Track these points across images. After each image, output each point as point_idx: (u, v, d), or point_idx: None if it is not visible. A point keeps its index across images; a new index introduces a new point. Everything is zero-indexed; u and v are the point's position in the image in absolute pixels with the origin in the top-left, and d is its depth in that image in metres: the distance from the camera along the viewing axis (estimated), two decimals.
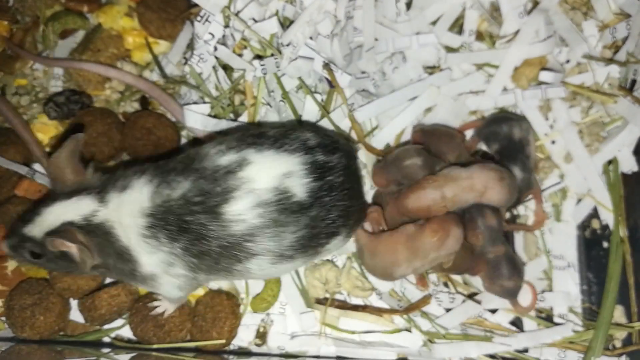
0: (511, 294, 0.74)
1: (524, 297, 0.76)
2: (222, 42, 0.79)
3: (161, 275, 0.65)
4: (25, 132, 0.81)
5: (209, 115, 0.77)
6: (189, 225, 0.62)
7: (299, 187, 0.63)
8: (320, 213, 0.64)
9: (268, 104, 0.80)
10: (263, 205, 0.62)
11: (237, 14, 0.78)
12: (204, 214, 0.61)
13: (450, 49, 0.83)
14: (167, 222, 0.62)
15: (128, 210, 0.63)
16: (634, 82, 0.80)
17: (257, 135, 0.66)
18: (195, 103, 0.81)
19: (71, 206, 0.64)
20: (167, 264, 0.64)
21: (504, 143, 0.77)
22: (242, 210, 0.61)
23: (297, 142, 0.66)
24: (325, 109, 0.78)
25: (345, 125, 0.79)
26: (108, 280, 0.78)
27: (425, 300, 0.76)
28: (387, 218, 0.75)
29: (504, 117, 0.79)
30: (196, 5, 0.80)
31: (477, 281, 0.78)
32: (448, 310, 0.76)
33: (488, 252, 0.73)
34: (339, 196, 0.66)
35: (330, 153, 0.67)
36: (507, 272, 0.73)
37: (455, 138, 0.78)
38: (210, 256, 0.63)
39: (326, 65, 0.77)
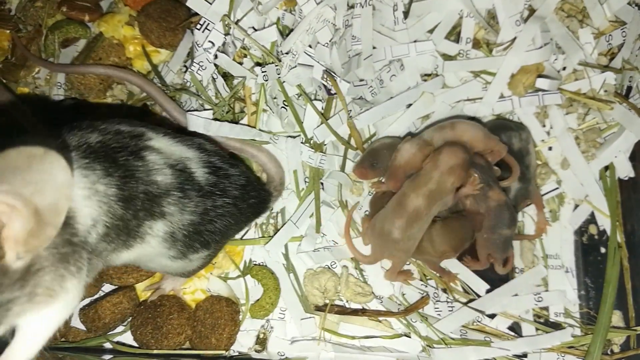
0: (505, 245, 0.75)
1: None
2: (222, 50, 0.80)
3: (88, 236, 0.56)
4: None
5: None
6: (119, 158, 0.58)
7: (198, 171, 0.63)
8: (211, 212, 0.64)
9: (270, 109, 0.80)
10: (172, 166, 0.61)
11: (236, 23, 0.79)
12: (129, 153, 0.59)
13: (447, 57, 0.84)
14: (101, 153, 0.57)
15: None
16: (629, 88, 0.81)
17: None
18: (196, 110, 0.82)
19: None
20: (95, 217, 0.55)
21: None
22: (157, 163, 0.60)
23: (192, 141, 0.66)
24: (324, 117, 0.78)
25: (342, 131, 0.80)
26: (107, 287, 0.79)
27: (424, 300, 0.76)
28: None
29: (503, 126, 0.79)
30: (196, 14, 0.81)
31: (475, 287, 0.79)
32: None
33: (488, 197, 0.74)
34: (228, 207, 0.66)
35: (228, 164, 0.67)
36: (509, 219, 0.74)
37: None
38: (134, 204, 0.58)
39: (327, 73, 0.77)
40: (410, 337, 0.76)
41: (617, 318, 0.78)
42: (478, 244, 0.77)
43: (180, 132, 0.68)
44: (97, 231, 0.55)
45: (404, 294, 0.78)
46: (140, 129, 0.63)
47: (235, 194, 0.67)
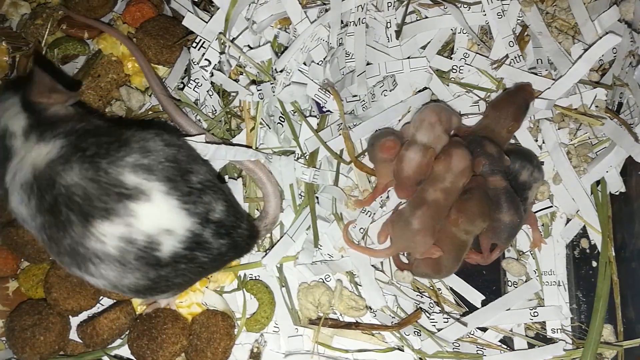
0: (509, 233, 0.76)
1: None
2: (219, 67, 0.81)
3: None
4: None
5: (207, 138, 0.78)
6: (58, 212, 0.61)
7: (169, 247, 0.63)
8: (170, 274, 0.65)
9: (267, 125, 0.81)
10: (128, 242, 0.61)
11: (232, 41, 0.80)
12: (76, 214, 0.61)
13: (440, 72, 0.85)
14: (42, 193, 0.62)
15: (32, 158, 0.64)
16: (620, 104, 0.82)
17: (184, 170, 0.65)
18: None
19: None
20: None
21: (508, 177, 0.78)
22: (108, 234, 0.61)
23: (202, 208, 0.65)
24: (316, 132, 0.79)
25: (335, 146, 0.81)
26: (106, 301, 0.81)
27: (417, 314, 0.77)
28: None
29: (525, 155, 0.80)
30: (193, 32, 0.82)
31: (470, 298, 0.80)
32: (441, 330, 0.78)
33: (488, 182, 0.76)
34: (193, 269, 0.67)
35: (218, 236, 0.67)
36: (506, 205, 0.75)
37: None
38: (56, 244, 0.63)
39: (326, 85, 0.79)
40: (403, 351, 0.77)
41: (608, 332, 0.79)
42: (480, 234, 0.77)
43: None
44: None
45: (398, 306, 0.79)
46: (151, 182, 0.64)
47: (204, 261, 0.68)
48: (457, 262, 0.77)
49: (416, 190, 0.77)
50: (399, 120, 0.84)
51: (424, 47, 0.86)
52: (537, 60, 0.84)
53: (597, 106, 0.83)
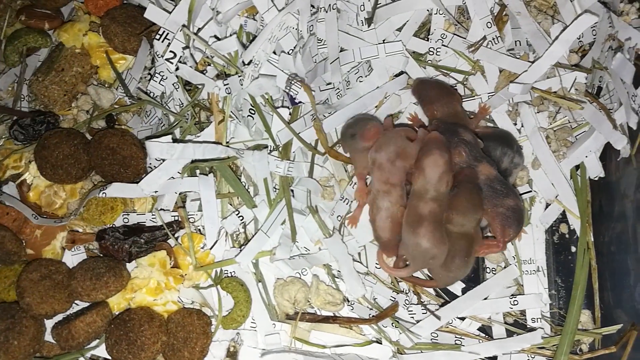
0: (517, 216, 0.74)
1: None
2: (184, 60, 0.78)
3: None
4: None
5: (173, 138, 0.76)
6: None
7: None
8: None
9: (237, 118, 0.79)
10: None
11: (197, 32, 0.77)
12: None
13: (417, 55, 0.83)
14: None
15: None
16: (600, 88, 0.80)
17: None
18: (160, 119, 0.81)
19: None
20: None
21: None
22: None
23: None
24: (288, 124, 0.77)
25: (309, 137, 0.79)
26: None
27: (394, 307, 0.77)
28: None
29: (506, 141, 0.79)
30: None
31: (446, 292, 0.79)
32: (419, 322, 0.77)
33: (479, 172, 0.74)
34: None
35: None
36: (503, 189, 0.74)
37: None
38: None
39: (294, 78, 0.76)
40: (381, 343, 0.77)
41: (586, 318, 0.79)
42: (490, 222, 0.76)
43: None
44: None
45: (375, 299, 0.79)
46: None
47: None
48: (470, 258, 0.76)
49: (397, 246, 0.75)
50: (376, 107, 0.82)
51: (399, 29, 0.83)
52: (516, 42, 0.82)
53: (576, 89, 0.80)
